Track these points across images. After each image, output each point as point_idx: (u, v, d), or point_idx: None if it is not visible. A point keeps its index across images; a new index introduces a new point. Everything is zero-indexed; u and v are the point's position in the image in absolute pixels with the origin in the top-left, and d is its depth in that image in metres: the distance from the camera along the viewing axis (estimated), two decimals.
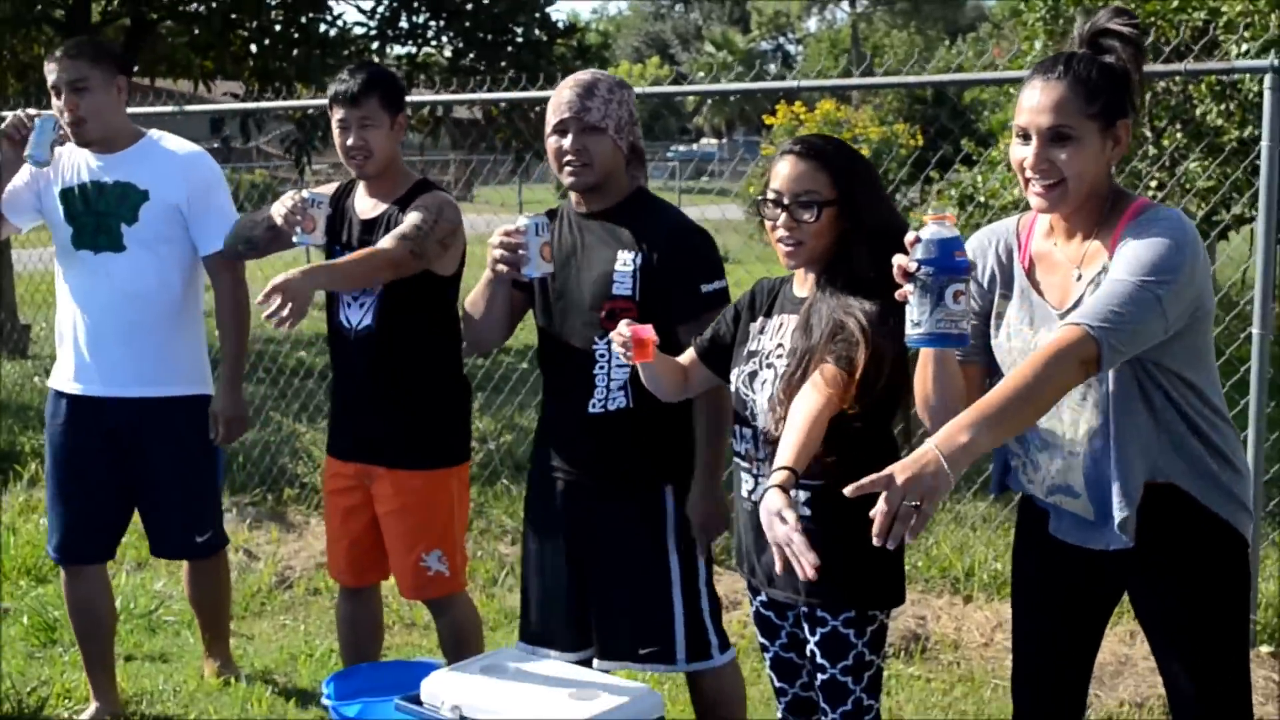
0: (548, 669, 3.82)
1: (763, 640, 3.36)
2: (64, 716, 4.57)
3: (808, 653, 3.18)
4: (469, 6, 11.88)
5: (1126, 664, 4.79)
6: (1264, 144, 4.48)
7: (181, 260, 4.40)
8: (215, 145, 16.09)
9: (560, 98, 3.58)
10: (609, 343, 3.42)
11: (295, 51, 10.62)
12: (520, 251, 3.47)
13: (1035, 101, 2.64)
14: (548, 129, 3.63)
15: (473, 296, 3.73)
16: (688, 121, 59.01)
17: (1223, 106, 10.83)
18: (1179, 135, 11.22)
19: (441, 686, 3.69)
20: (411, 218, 3.90)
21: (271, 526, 6.61)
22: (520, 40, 11.44)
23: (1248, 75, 10.43)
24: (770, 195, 3.05)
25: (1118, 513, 2.66)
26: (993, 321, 2.84)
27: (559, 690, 3.61)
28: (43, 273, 12.60)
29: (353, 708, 4.01)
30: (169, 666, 4.99)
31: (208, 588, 4.76)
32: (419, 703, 3.69)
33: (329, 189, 4.21)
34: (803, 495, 3.04)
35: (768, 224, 3.09)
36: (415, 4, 12.13)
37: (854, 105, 24.75)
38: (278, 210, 3.95)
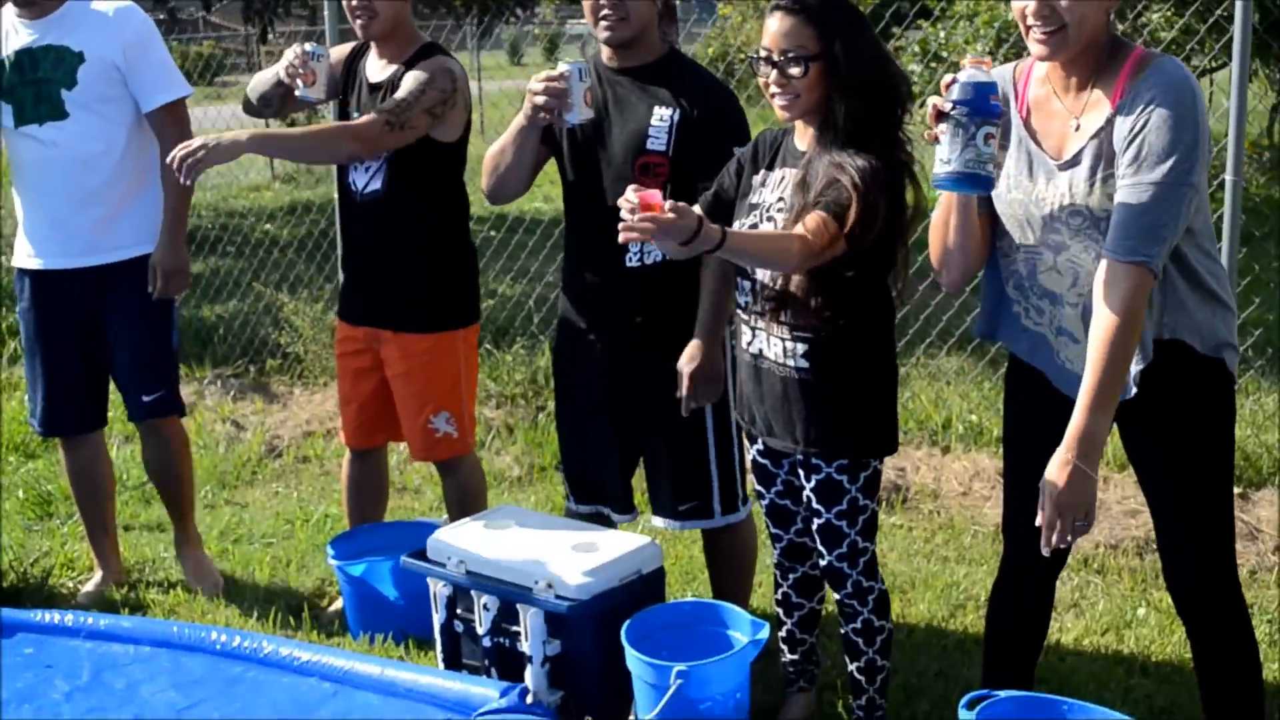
0: (548, 523, 3.94)
1: (759, 487, 3.47)
2: (69, 586, 4.65)
3: (804, 498, 3.29)
4: None
5: (1100, 507, 4.93)
6: None
7: (124, 119, 4.31)
8: (160, 17, 15.71)
9: None
10: None
11: None
12: (565, 97, 3.48)
13: None
14: None
15: (499, 144, 3.72)
16: None
17: None
18: None
19: (446, 543, 3.80)
20: (400, 89, 3.91)
21: (255, 398, 6.66)
22: None
23: None
24: (761, 52, 3.09)
25: (1135, 365, 2.75)
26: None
27: (561, 544, 3.73)
28: None
29: (357, 567, 4.13)
30: (166, 535, 5.06)
31: (158, 455, 4.60)
32: (425, 559, 3.81)
33: (343, 49, 4.23)
34: (800, 348, 3.13)
35: (760, 80, 3.13)
36: None
37: None
38: (280, 65, 3.95)
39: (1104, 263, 2.67)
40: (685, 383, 3.51)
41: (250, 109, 4.30)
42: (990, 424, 5.53)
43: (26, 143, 4.30)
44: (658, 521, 3.86)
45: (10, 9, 4.33)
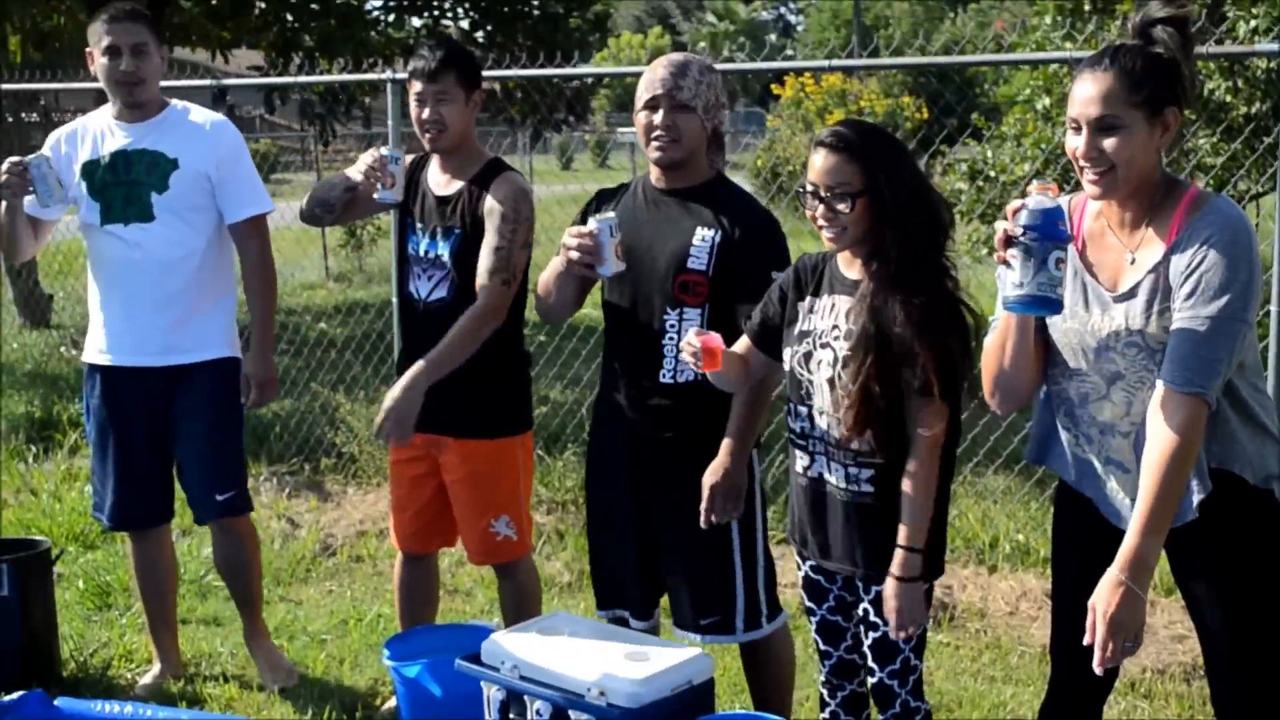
0: (601, 631, 3.99)
1: (810, 604, 3.53)
2: (128, 677, 4.74)
3: (856, 614, 3.36)
4: None
5: (1148, 632, 4.96)
6: None
7: (209, 228, 4.49)
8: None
9: (654, 75, 3.71)
10: (680, 315, 3.62)
11: (314, 23, 10.70)
12: (597, 253, 3.63)
13: (1084, 93, 2.80)
14: (638, 105, 3.75)
15: (545, 280, 3.87)
16: None
17: (1230, 83, 10.94)
18: (1187, 112, 11.33)
19: (501, 647, 3.86)
20: (490, 241, 4.04)
21: (310, 495, 6.78)
22: (537, 13, 11.54)
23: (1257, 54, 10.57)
24: (809, 187, 3.21)
25: (1196, 495, 2.83)
26: None
27: (614, 652, 3.79)
28: (58, 242, 12.75)
29: (413, 668, 4.19)
30: (224, 629, 5.16)
31: (230, 552, 4.69)
32: (479, 663, 3.88)
33: (400, 171, 4.33)
34: (865, 473, 3.22)
35: (808, 212, 3.25)
36: None
37: (859, 78, 24.82)
38: (356, 168, 4.09)
39: (1160, 390, 2.75)
40: (707, 495, 3.60)
41: (310, 218, 4.43)
42: (1037, 544, 5.58)
43: (110, 241, 4.45)
44: (678, 633, 3.91)
45: (108, 110, 4.52)
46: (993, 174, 11.84)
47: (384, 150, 4.08)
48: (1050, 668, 3.30)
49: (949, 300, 3.17)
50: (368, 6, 12.03)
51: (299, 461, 7.16)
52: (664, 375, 3.74)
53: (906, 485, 3.15)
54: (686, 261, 3.68)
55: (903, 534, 3.16)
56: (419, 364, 4.03)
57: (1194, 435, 2.73)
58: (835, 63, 6.19)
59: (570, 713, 3.63)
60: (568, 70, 7.15)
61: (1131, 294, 2.84)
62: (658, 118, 3.68)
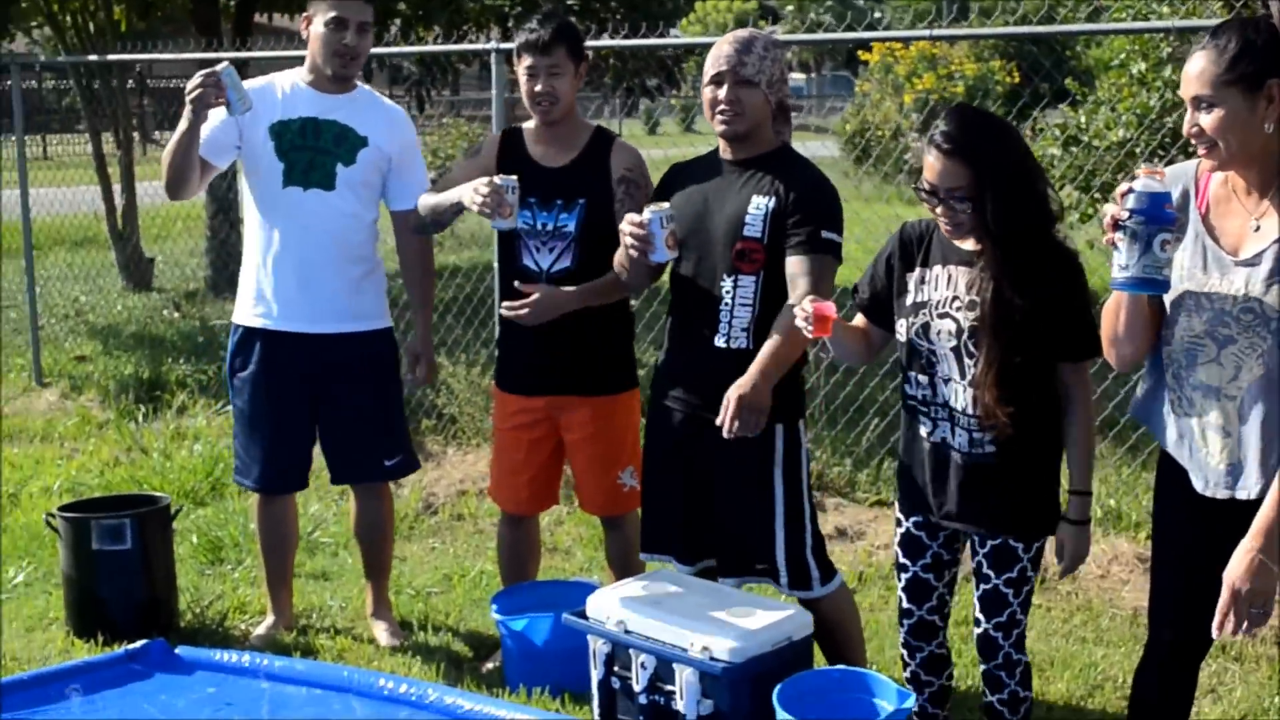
0: (703, 589, 4.11)
1: (904, 560, 3.65)
2: (242, 629, 4.93)
3: (973, 565, 3.50)
4: None
5: None
6: None
7: (374, 205, 4.65)
8: None
9: (719, 51, 3.83)
10: (735, 283, 3.74)
11: None
12: (649, 242, 3.80)
13: (1187, 73, 2.88)
14: (705, 79, 3.87)
15: (619, 259, 4.03)
16: None
17: None
18: None
19: (606, 603, 4.01)
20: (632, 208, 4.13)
21: None
22: None
23: None
24: (926, 186, 3.32)
25: None
26: None
27: (716, 608, 3.91)
28: (159, 205, 13.03)
29: (519, 622, 4.34)
30: (332, 584, 5.34)
31: (373, 516, 4.85)
32: (584, 618, 4.02)
33: (491, 150, 4.44)
34: (988, 437, 3.37)
35: (927, 206, 3.35)
36: None
37: (950, 43, 24.62)
38: (471, 197, 4.08)
39: None
40: (732, 407, 3.66)
41: (421, 228, 4.57)
42: (1129, 509, 5.61)
43: (287, 204, 4.52)
44: (727, 582, 4.02)
45: (299, 75, 4.60)
46: (1086, 139, 11.77)
47: (498, 179, 4.08)
48: (1148, 630, 3.36)
49: (1067, 263, 3.27)
50: None
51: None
52: (719, 339, 3.86)
53: (1074, 438, 3.36)
54: (743, 229, 3.81)
55: (1076, 479, 3.36)
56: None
57: None
58: (933, 32, 6.22)
59: (674, 665, 3.77)
60: (654, 40, 7.18)
61: (1254, 261, 2.90)
62: (722, 93, 3.79)
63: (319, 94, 4.57)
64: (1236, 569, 2.84)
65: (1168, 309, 3.07)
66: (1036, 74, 25.16)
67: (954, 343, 3.34)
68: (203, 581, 5.37)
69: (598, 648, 3.97)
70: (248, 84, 4.42)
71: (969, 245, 3.36)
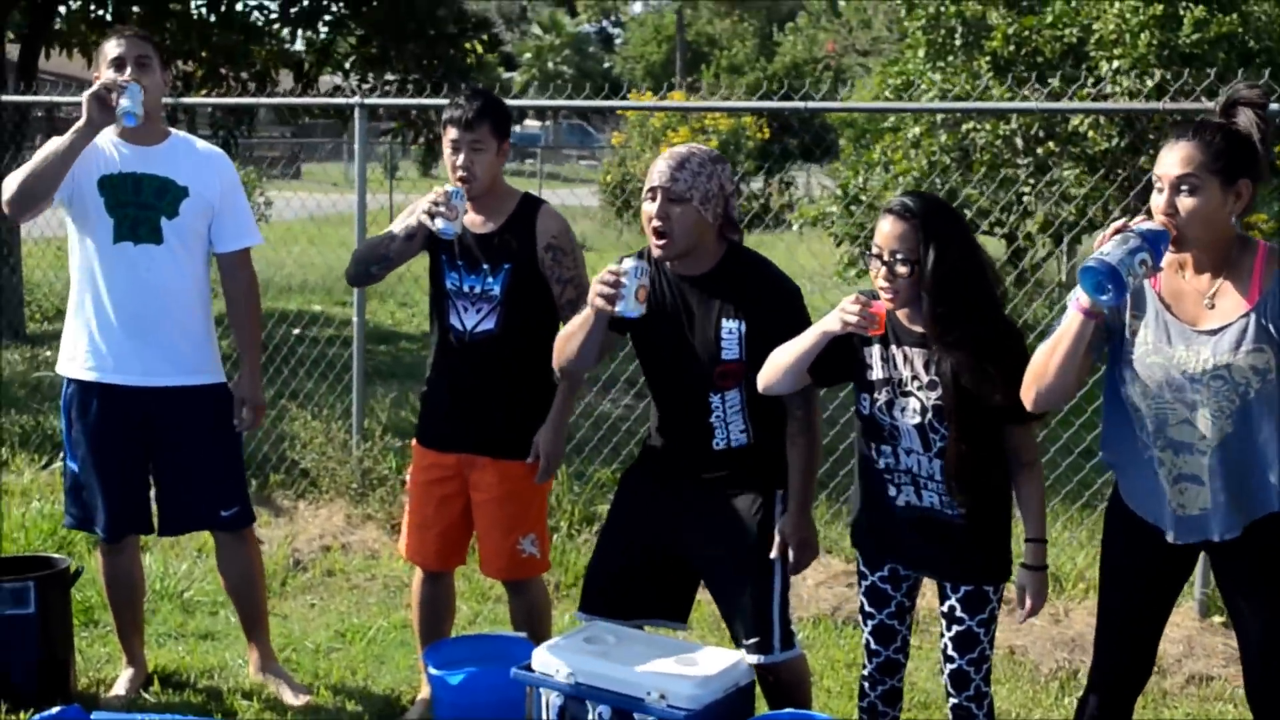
0: (643, 640, 4.24)
1: (869, 609, 3.89)
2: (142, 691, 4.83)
3: (945, 609, 3.76)
4: None
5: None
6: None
7: (202, 254, 4.65)
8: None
9: (655, 166, 3.91)
10: (723, 398, 3.94)
11: (215, 35, 10.68)
12: (619, 290, 3.78)
13: (1169, 157, 3.21)
14: (644, 194, 3.94)
15: (569, 329, 4.02)
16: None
17: (1093, 118, 11.65)
18: (1050, 145, 12.03)
19: (553, 656, 4.10)
20: (559, 274, 4.36)
21: (261, 511, 6.84)
22: (433, 32, 11.64)
23: (1118, 92, 11.27)
24: (874, 249, 3.57)
25: (1259, 510, 3.26)
26: (1127, 338, 3.36)
27: (664, 657, 4.06)
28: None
29: (456, 676, 4.39)
30: (222, 643, 5.28)
31: (239, 566, 4.86)
32: (531, 671, 4.11)
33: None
34: (954, 500, 3.64)
35: (870, 272, 3.61)
36: None
37: (702, 96, 25.35)
38: (415, 213, 4.29)
39: None
40: (781, 547, 3.93)
41: (361, 278, 4.59)
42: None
43: (118, 259, 4.51)
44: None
45: (111, 129, 4.50)
46: (867, 200, 12.39)
47: (448, 188, 4.25)
48: (1093, 673, 3.67)
49: (1010, 335, 3.56)
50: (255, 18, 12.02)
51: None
52: (717, 444, 3.99)
53: (1028, 492, 3.64)
54: (720, 354, 3.91)
55: (1032, 529, 3.61)
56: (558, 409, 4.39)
57: None
58: (856, 105, 6.48)
59: (635, 715, 3.89)
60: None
61: (1218, 332, 3.23)
62: (654, 209, 3.86)
63: (136, 147, 4.56)
64: None
65: (1136, 381, 3.35)
66: (786, 132, 26.23)
67: (918, 420, 3.61)
68: (82, 645, 5.22)
69: (550, 700, 4.05)
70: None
71: (918, 327, 3.62)
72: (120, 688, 4.79)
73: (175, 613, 5.58)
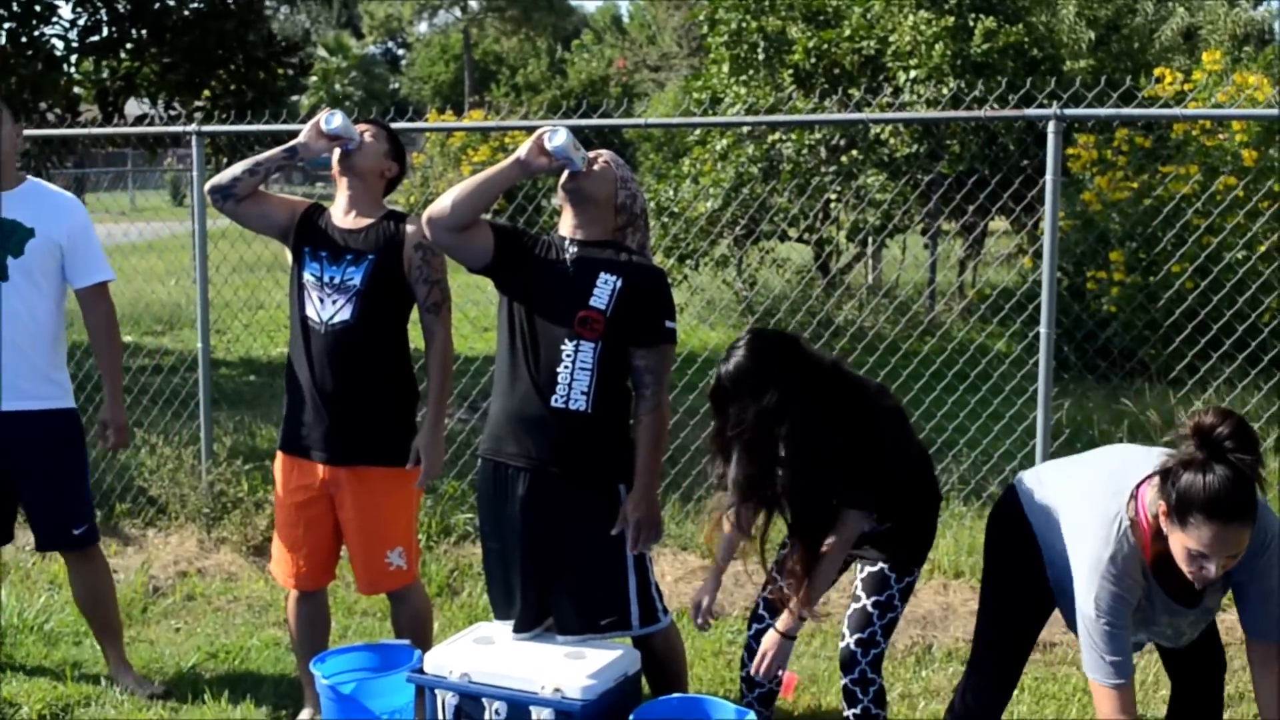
0: (526, 638, 4.40)
1: (764, 613, 4.20)
2: None
3: (853, 588, 4.03)
4: (177, 20, 11.83)
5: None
6: (1048, 178, 5.40)
7: (53, 291, 4.90)
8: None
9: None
10: (576, 347, 4.11)
11: (21, 68, 10.46)
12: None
13: (1226, 539, 3.18)
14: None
15: (481, 176, 4.15)
16: None
17: (893, 127, 12.16)
18: (855, 153, 12.51)
19: (444, 658, 4.24)
20: (426, 274, 4.51)
21: (110, 541, 6.80)
22: (243, 56, 11.57)
23: (915, 101, 11.78)
24: None
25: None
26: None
27: (551, 653, 4.23)
28: None
29: (347, 685, 4.48)
30: (88, 674, 5.26)
31: (92, 581, 5.09)
32: (424, 674, 4.24)
33: (300, 206, 4.68)
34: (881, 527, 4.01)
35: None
36: (119, 14, 11.97)
37: (504, 115, 25.48)
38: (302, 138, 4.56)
39: (1260, 647, 3.48)
40: (633, 527, 4.15)
41: (222, 187, 4.56)
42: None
43: None
44: (563, 639, 4.30)
45: None
46: (676, 210, 12.70)
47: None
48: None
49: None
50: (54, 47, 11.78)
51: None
52: (555, 400, 4.16)
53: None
54: (590, 299, 4.14)
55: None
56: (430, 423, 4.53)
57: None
58: (749, 118, 6.64)
59: (530, 708, 4.04)
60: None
61: (1198, 600, 3.53)
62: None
63: None
64: None
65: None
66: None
67: None
68: None
69: (446, 700, 4.18)
70: None
71: None
72: None
73: (38, 644, 5.52)
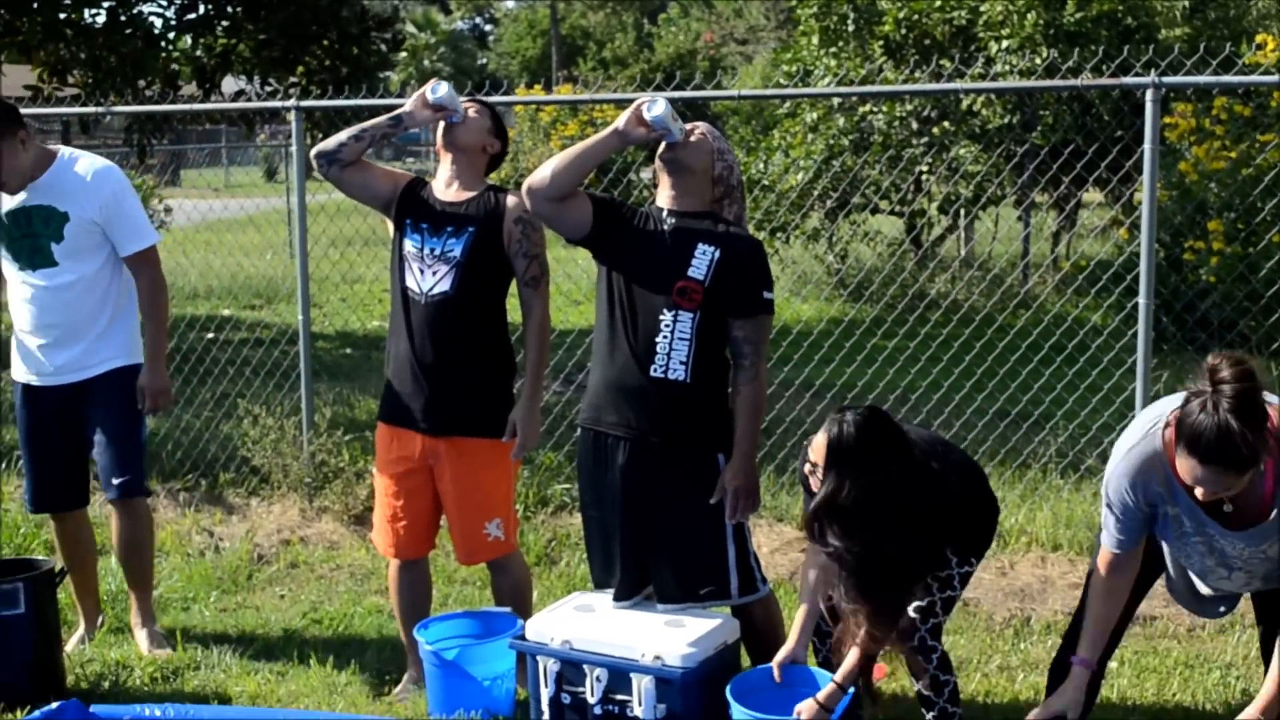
0: (625, 606, 4.46)
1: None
2: (130, 683, 4.94)
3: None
4: None
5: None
6: (1146, 147, 5.35)
7: (106, 262, 5.10)
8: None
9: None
10: (675, 316, 4.15)
11: (122, 44, 10.66)
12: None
13: (1217, 482, 3.28)
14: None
15: (579, 148, 4.26)
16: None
17: (985, 98, 12.05)
18: (946, 124, 12.41)
19: (546, 626, 4.32)
20: (525, 248, 4.56)
21: (214, 510, 6.95)
22: (337, 32, 11.69)
23: (1008, 71, 11.66)
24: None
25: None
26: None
27: (651, 622, 4.29)
28: None
29: (450, 651, 4.57)
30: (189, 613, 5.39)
31: (130, 533, 5.27)
32: (527, 641, 4.31)
33: (402, 179, 4.75)
34: None
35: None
36: None
37: (595, 89, 25.52)
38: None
39: None
40: (731, 495, 4.20)
41: (329, 151, 4.64)
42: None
43: (24, 285, 5.10)
44: (664, 607, 4.36)
45: None
46: (768, 183, 12.67)
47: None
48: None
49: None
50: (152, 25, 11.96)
51: (194, 477, 7.31)
52: (654, 369, 4.22)
53: None
54: (688, 270, 4.21)
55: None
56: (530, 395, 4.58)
57: None
58: (840, 89, 6.67)
59: (631, 675, 4.11)
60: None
61: (1247, 527, 3.48)
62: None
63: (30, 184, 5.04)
64: None
65: (1172, 555, 3.77)
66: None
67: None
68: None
69: (547, 666, 4.26)
70: None
71: None
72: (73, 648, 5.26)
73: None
